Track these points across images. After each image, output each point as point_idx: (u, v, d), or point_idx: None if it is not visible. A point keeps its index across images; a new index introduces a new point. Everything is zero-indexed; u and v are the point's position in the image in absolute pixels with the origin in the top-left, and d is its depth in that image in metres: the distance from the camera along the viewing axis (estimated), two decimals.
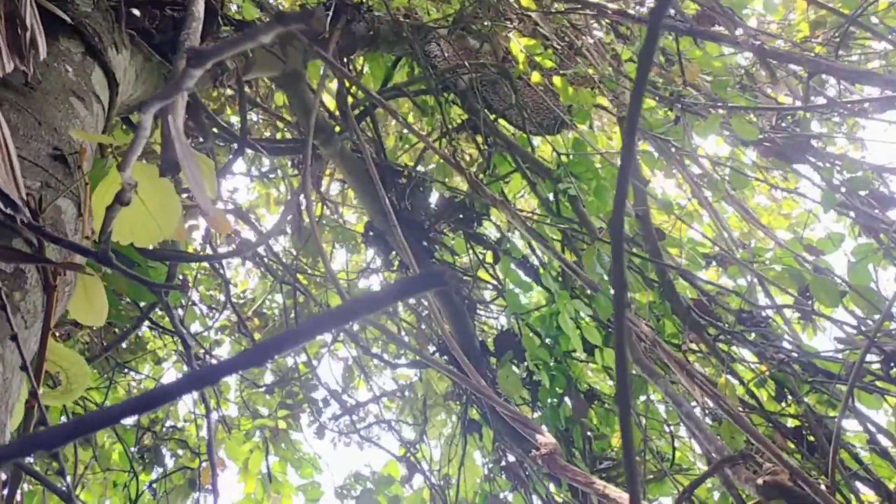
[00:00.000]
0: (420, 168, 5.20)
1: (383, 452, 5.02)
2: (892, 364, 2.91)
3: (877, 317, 3.06)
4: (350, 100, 4.38)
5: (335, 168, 5.39)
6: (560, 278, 4.02)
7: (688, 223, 5.25)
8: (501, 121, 4.83)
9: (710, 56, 4.16)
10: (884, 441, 3.63)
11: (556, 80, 3.89)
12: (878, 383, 3.29)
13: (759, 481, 2.72)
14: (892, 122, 3.74)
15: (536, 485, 4.35)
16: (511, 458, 4.65)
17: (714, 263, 4.80)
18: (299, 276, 5.18)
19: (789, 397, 3.88)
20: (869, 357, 3.24)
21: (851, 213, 4.29)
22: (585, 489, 2.41)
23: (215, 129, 3.80)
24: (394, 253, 5.01)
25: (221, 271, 4.27)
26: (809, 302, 3.22)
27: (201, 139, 3.36)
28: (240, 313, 4.84)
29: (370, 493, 5.07)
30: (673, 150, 4.37)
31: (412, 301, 5.91)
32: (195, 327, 4.98)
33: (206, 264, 4.77)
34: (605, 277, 2.87)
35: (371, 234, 4.91)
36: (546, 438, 2.65)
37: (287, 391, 5.55)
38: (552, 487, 4.45)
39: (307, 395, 5.54)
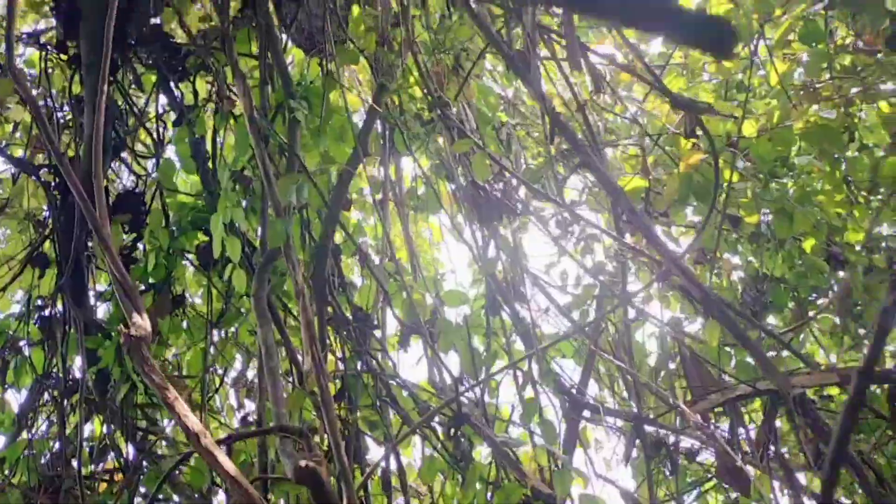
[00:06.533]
0: None
1: None
2: None
3: None
4: None
5: None
6: (234, 180, 3.67)
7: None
8: None
9: None
10: None
11: None
12: None
13: (302, 463, 2.71)
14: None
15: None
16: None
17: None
18: None
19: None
20: None
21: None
22: (156, 389, 2.15)
23: None
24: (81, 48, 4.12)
25: None
26: None
27: None
28: None
29: None
30: None
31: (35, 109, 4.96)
32: None
33: None
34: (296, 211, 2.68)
35: (63, 3, 4.03)
36: (142, 321, 2.34)
37: None
38: None
39: None
